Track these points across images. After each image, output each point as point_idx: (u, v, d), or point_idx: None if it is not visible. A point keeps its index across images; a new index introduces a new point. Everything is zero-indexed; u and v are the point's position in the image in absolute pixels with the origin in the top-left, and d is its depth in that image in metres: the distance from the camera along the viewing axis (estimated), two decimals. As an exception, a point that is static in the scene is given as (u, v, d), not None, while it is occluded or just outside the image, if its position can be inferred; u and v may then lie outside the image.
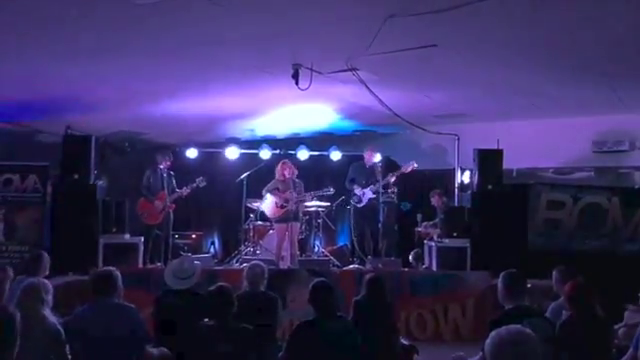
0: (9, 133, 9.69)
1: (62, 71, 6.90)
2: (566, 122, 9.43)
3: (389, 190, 9.13)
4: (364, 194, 9.12)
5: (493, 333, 2.43)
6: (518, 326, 2.49)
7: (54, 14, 5.18)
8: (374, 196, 9.01)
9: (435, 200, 9.43)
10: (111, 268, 4.58)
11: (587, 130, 9.42)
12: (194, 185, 8.88)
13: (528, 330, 2.45)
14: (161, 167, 8.84)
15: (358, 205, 9.20)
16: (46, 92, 7.77)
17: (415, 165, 8.96)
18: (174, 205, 8.85)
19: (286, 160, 9.11)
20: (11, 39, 5.81)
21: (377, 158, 9.31)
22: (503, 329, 2.43)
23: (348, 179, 9.33)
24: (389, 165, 9.54)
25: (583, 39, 5.83)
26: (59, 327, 4.09)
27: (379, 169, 9.03)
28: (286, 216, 8.75)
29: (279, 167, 8.94)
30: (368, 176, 9.12)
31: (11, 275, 5.91)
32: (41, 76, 7.15)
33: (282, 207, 8.85)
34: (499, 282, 4.38)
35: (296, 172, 8.90)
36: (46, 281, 4.49)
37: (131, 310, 4.31)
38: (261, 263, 5.61)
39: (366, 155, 9.24)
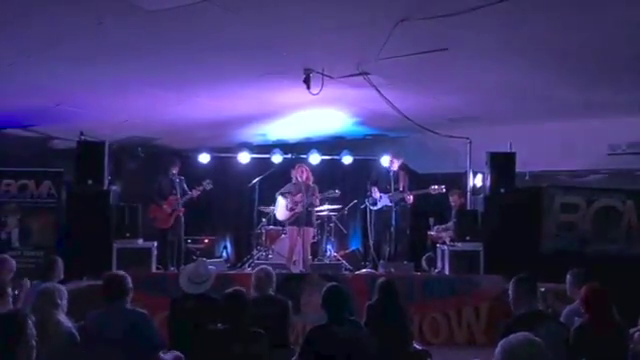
0: (24, 139, 9.79)
1: (76, 77, 6.97)
2: (580, 125, 9.36)
3: (411, 202, 9.16)
4: (380, 198, 9.13)
5: (502, 341, 2.43)
6: (527, 333, 2.49)
7: (68, 23, 5.23)
8: (391, 204, 9.01)
9: (454, 199, 9.41)
10: (120, 272, 4.59)
11: (602, 133, 9.34)
12: (201, 187, 8.97)
13: (537, 338, 2.45)
14: (174, 172, 8.95)
15: (372, 207, 9.22)
16: (60, 98, 7.84)
17: (443, 189, 8.99)
18: (183, 209, 8.91)
19: (302, 163, 9.17)
20: (26, 47, 5.88)
21: (396, 165, 9.30)
22: (512, 337, 2.43)
23: (371, 180, 9.34)
24: (408, 172, 9.54)
25: (597, 42, 5.79)
26: (74, 332, 4.12)
27: (402, 177, 9.06)
28: (296, 219, 8.78)
29: (293, 170, 9.00)
30: (391, 182, 9.11)
31: (28, 286, 5.94)
32: (55, 83, 7.22)
33: (291, 210, 8.90)
34: (510, 287, 4.35)
35: (310, 176, 8.94)
36: (61, 286, 4.52)
37: (144, 316, 4.33)
38: (267, 267, 5.59)
39: (390, 160, 9.24)
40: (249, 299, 4.51)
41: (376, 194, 9.19)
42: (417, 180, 9.62)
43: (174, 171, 8.98)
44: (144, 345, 4.21)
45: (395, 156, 9.25)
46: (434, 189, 9.04)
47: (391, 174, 9.15)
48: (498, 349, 2.43)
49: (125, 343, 4.13)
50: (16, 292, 5.73)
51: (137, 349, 4.16)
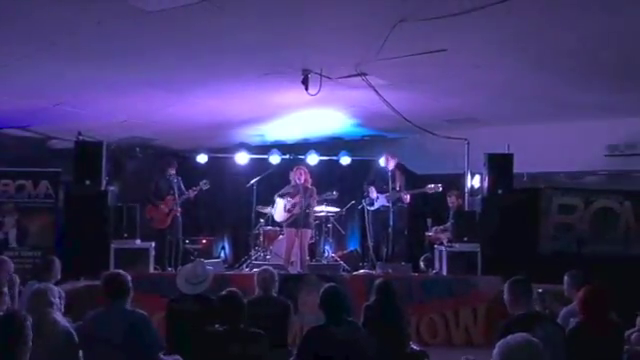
0: (21, 139, 9.78)
1: (74, 78, 6.96)
2: (578, 126, 9.37)
3: (407, 201, 9.14)
4: (377, 198, 9.13)
5: (500, 342, 2.43)
6: (525, 334, 2.50)
7: (67, 23, 5.23)
8: (388, 204, 9.01)
9: (452, 200, 9.40)
10: (121, 271, 4.59)
11: (600, 134, 9.35)
12: (198, 188, 8.98)
13: (535, 339, 2.46)
14: (171, 173, 8.94)
15: (369, 208, 9.22)
16: (58, 98, 7.84)
17: (440, 188, 8.98)
18: (180, 209, 8.92)
19: (301, 165, 9.17)
20: (25, 47, 5.87)
21: (392, 164, 9.30)
22: (510, 338, 2.44)
23: (368, 180, 9.34)
24: (405, 172, 9.53)
25: (595, 43, 5.80)
26: (71, 331, 4.11)
27: (398, 177, 9.04)
28: (294, 221, 8.78)
29: (292, 172, 9.00)
30: (388, 182, 9.11)
31: (17, 280, 5.98)
32: (53, 83, 7.21)
33: (289, 211, 8.91)
34: (505, 290, 4.35)
35: (309, 178, 8.93)
36: (53, 285, 4.53)
37: (144, 317, 4.32)
38: (270, 268, 5.62)
39: (385, 160, 9.25)
40: (244, 300, 4.50)
41: (373, 194, 9.19)
42: (415, 181, 9.61)
43: (171, 171, 8.96)
44: (144, 347, 4.20)
45: (391, 155, 9.24)
46: (430, 188, 9.03)
47: (389, 174, 9.14)
48: (496, 350, 2.44)
49: (124, 344, 4.12)
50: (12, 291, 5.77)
51: (136, 351, 4.14)
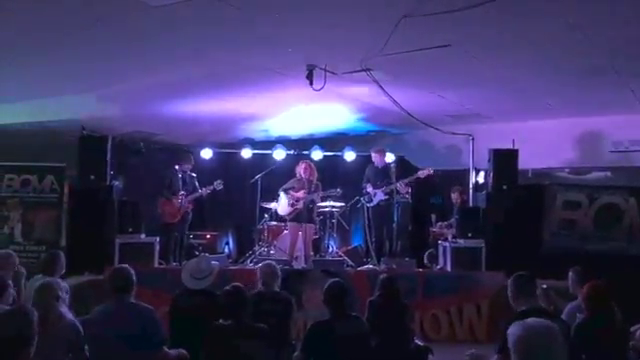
0: (26, 134, 9.80)
1: (78, 73, 6.97)
2: (582, 122, 9.35)
3: (404, 191, 9.11)
4: (375, 194, 9.11)
5: (516, 325, 2.41)
6: (543, 320, 2.49)
7: (72, 18, 5.24)
8: (385, 198, 9.00)
9: (455, 197, 9.38)
10: (125, 265, 4.63)
11: (604, 130, 9.33)
12: (212, 187, 9.01)
13: (554, 324, 2.45)
14: (182, 168, 9.00)
15: (368, 204, 9.21)
16: (62, 93, 7.85)
17: (431, 171, 8.95)
18: (191, 205, 8.94)
19: (307, 160, 9.17)
20: (30, 42, 5.88)
21: (389, 158, 9.28)
22: (531, 320, 2.42)
23: (365, 179, 9.34)
24: (403, 166, 9.51)
25: (599, 38, 5.78)
26: (77, 325, 4.13)
27: (393, 170, 9.02)
28: (297, 215, 8.78)
29: (298, 165, 9.00)
30: (382, 177, 9.10)
31: (24, 272, 6.01)
32: (57, 77, 7.22)
33: (292, 205, 8.91)
34: (509, 285, 4.35)
35: (315, 173, 8.93)
36: (59, 280, 4.56)
37: (149, 311, 4.35)
38: (272, 262, 5.62)
39: (373, 157, 9.24)
40: (248, 295, 4.51)
41: (371, 190, 9.17)
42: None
43: (185, 167, 9.02)
44: (149, 340, 4.23)
45: (378, 152, 9.22)
46: (423, 173, 8.98)
47: (380, 169, 9.12)
48: (512, 332, 2.41)
49: (131, 337, 4.15)
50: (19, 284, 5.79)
51: (142, 344, 4.18)
